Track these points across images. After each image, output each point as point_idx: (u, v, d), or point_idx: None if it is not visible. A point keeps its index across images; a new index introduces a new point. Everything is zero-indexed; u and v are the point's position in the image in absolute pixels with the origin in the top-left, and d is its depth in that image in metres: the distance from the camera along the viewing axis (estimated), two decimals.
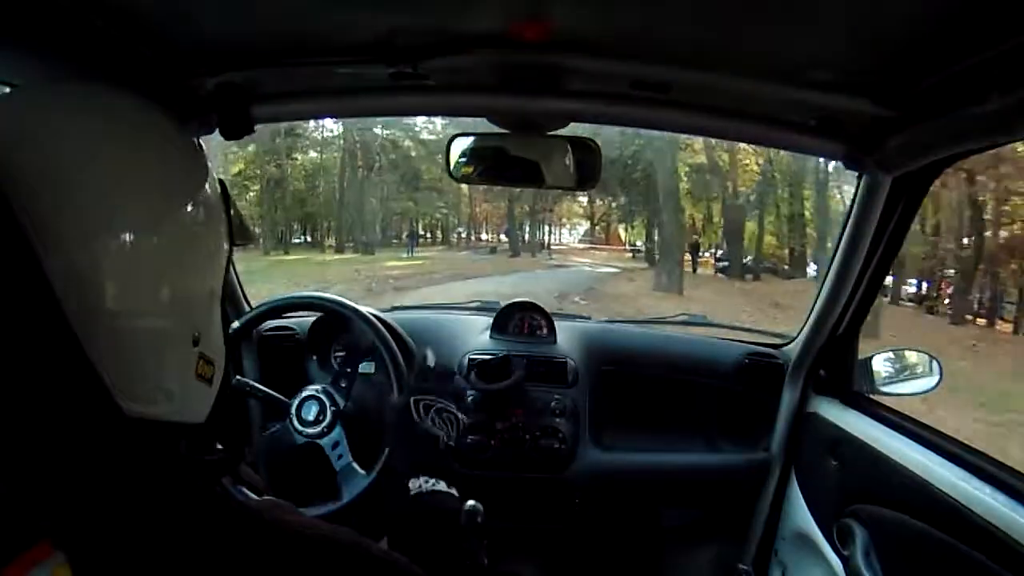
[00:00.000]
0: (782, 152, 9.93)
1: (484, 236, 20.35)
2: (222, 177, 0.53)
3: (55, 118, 0.41)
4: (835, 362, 1.26)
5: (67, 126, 0.40)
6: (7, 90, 0.49)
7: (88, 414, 0.36)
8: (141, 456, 0.37)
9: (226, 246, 0.51)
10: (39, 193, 0.37)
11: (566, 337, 1.47)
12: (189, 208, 0.45)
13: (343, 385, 1.21)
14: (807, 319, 1.31)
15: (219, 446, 0.50)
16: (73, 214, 0.38)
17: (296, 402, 1.15)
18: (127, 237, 0.41)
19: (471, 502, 1.20)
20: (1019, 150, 7.48)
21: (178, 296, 0.44)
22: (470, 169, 1.12)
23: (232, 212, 0.52)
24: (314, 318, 1.35)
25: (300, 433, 1.14)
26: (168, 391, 0.44)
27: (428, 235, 19.52)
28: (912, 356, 1.24)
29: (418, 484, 0.71)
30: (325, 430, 1.14)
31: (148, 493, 0.36)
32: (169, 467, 0.40)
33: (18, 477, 0.34)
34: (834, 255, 1.19)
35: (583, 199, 17.79)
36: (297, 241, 17.23)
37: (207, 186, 0.48)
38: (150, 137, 0.46)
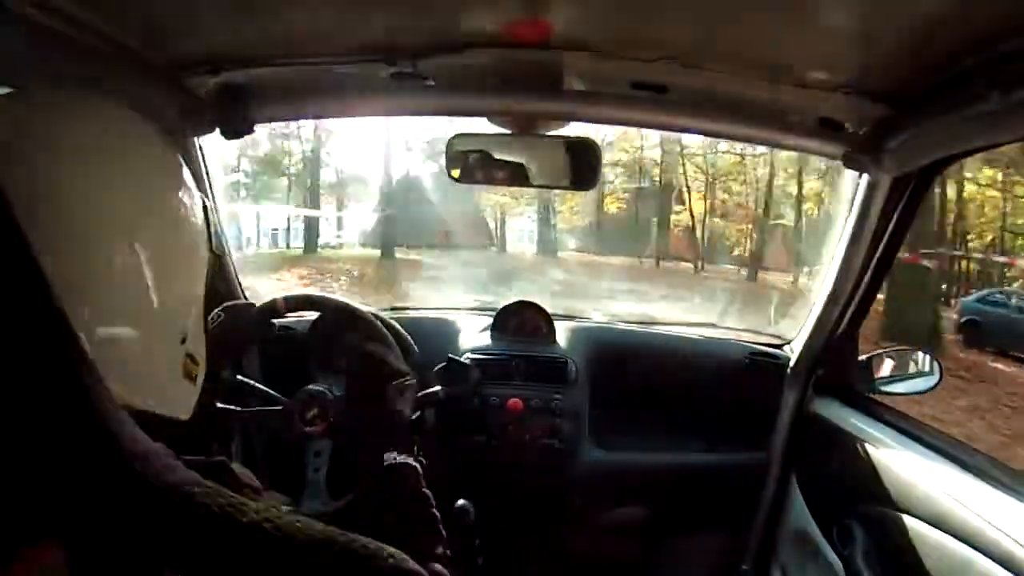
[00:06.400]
0: None
1: None
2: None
3: (49, 125, 0.41)
4: (835, 362, 1.26)
5: (59, 134, 0.41)
6: (5, 91, 0.49)
7: (77, 406, 0.36)
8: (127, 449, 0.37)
9: (206, 252, 0.52)
10: (34, 195, 0.38)
11: (566, 337, 1.47)
12: (173, 211, 0.47)
13: (344, 385, 1.21)
14: (807, 319, 1.31)
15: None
16: (64, 214, 0.39)
17: (296, 402, 1.15)
18: (116, 237, 0.41)
19: (461, 501, 1.20)
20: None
21: (168, 295, 0.45)
22: (470, 170, 1.12)
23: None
24: (314, 317, 1.35)
25: (300, 433, 1.14)
26: (156, 385, 0.45)
27: None
28: (912, 355, 1.24)
29: (391, 457, 0.78)
30: (326, 430, 1.14)
31: (135, 489, 0.36)
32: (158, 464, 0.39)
33: (16, 471, 0.34)
34: (834, 255, 1.19)
35: None
36: None
37: (188, 192, 0.49)
38: (137, 145, 0.47)
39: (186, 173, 0.50)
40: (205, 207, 0.52)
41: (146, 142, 0.48)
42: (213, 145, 1.15)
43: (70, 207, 0.40)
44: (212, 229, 0.53)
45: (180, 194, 0.48)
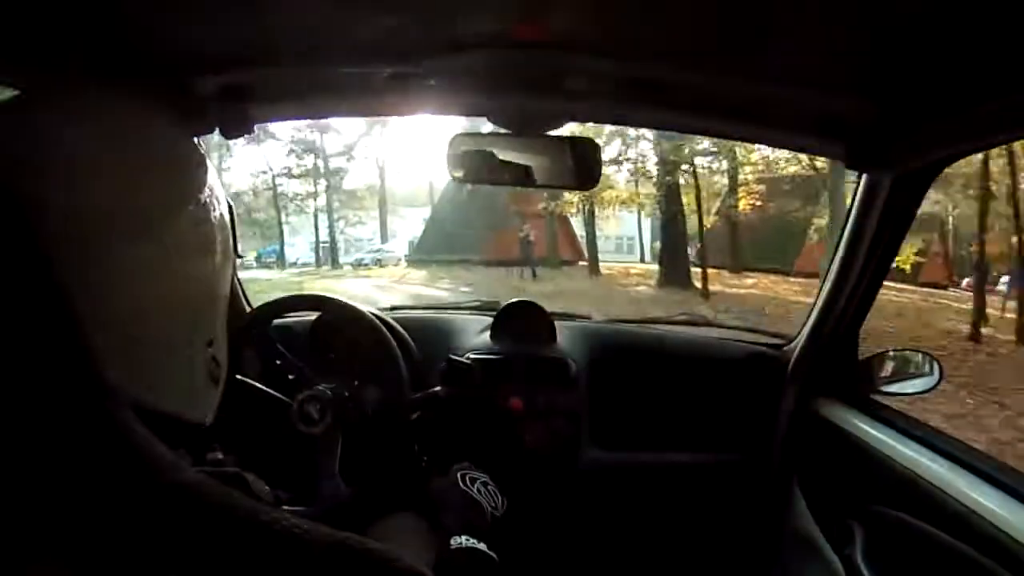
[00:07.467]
0: None
1: None
2: None
3: (62, 125, 0.41)
4: (836, 362, 1.26)
5: (74, 133, 0.41)
6: (10, 93, 0.49)
7: (94, 410, 0.36)
8: (144, 456, 0.37)
9: (231, 252, 0.52)
10: (49, 198, 0.37)
11: (566, 337, 1.47)
12: (199, 210, 0.46)
13: (344, 385, 1.21)
14: (808, 319, 1.32)
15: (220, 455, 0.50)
16: (82, 218, 0.38)
17: (296, 402, 1.15)
18: (140, 236, 0.41)
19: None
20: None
21: (197, 295, 0.45)
22: (470, 169, 1.12)
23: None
24: (315, 318, 1.35)
25: (301, 434, 1.14)
26: (183, 389, 0.45)
27: None
28: (912, 356, 1.24)
29: (459, 541, 0.73)
30: (326, 431, 1.14)
31: (151, 498, 0.36)
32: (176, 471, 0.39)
33: (23, 481, 0.34)
34: (834, 255, 1.19)
35: None
36: None
37: (213, 187, 0.49)
38: (154, 142, 0.46)
39: (211, 169, 0.49)
40: (230, 207, 0.51)
41: (170, 139, 0.47)
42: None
43: (89, 205, 0.39)
44: (235, 231, 0.52)
45: (206, 188, 0.47)
